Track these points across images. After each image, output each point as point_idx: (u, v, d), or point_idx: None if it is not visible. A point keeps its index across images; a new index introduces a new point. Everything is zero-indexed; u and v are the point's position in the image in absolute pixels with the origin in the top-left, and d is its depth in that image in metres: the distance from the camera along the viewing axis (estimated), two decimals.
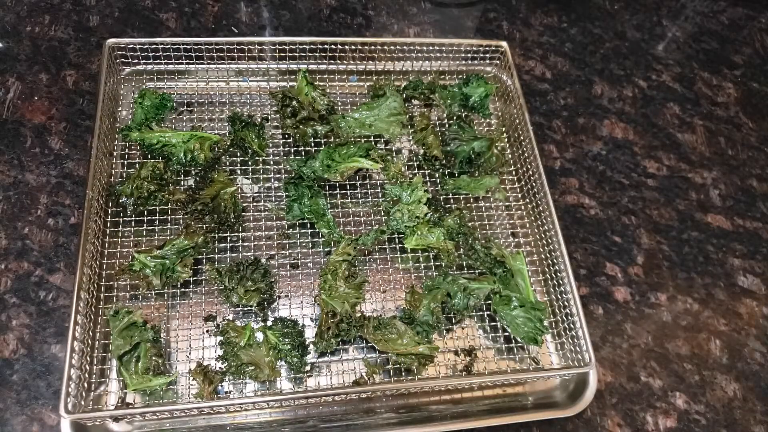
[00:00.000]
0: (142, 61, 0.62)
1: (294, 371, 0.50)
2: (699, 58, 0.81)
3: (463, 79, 0.67)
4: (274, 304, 0.54)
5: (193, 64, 0.63)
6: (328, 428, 0.50)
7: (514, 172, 0.64)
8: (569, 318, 0.53)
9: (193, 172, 0.58)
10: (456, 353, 0.54)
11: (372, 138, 0.63)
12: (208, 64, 0.63)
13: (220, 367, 0.49)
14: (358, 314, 0.53)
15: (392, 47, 0.66)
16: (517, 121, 0.63)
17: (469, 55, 0.68)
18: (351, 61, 0.67)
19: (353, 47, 0.65)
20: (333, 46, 0.64)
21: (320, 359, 0.52)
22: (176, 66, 0.63)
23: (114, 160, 0.58)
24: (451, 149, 0.62)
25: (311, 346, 0.51)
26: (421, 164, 0.63)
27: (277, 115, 0.62)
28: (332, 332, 0.50)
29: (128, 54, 0.61)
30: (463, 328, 0.55)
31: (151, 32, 0.70)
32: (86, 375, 0.47)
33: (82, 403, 0.45)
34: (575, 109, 0.73)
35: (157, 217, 0.55)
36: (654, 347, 0.58)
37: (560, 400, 0.53)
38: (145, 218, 0.55)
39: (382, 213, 0.59)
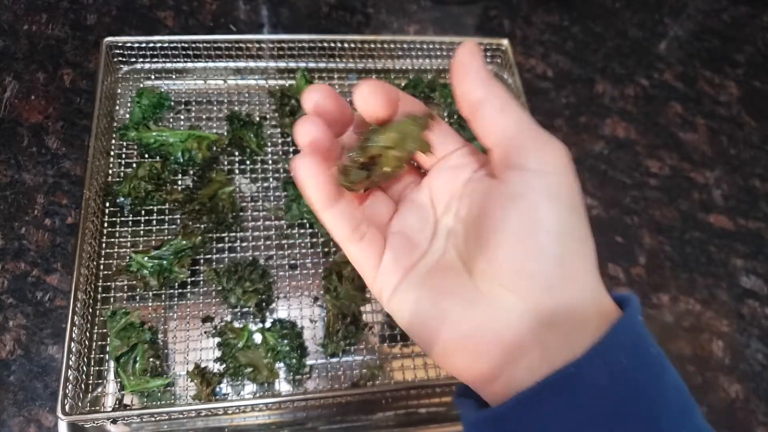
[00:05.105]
0: (139, 60, 0.62)
1: (293, 373, 0.50)
2: (701, 57, 0.81)
3: None
4: (272, 305, 0.53)
5: (191, 62, 0.63)
6: (327, 430, 0.50)
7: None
8: None
9: (191, 172, 0.57)
10: None
11: None
12: (206, 62, 0.63)
13: (218, 369, 0.49)
14: (364, 316, 0.52)
15: (392, 45, 0.65)
16: None
17: None
18: (350, 60, 0.66)
19: (353, 45, 0.64)
20: (332, 44, 0.63)
21: (319, 361, 0.51)
22: (174, 64, 0.63)
23: (111, 160, 0.57)
24: None
25: (320, 349, 0.51)
26: None
27: (276, 114, 0.62)
28: (341, 334, 0.50)
29: (126, 52, 0.61)
30: None
31: (149, 30, 0.69)
32: (83, 376, 0.46)
33: (80, 404, 0.45)
34: (577, 107, 0.73)
35: (155, 217, 0.55)
36: None
37: None
38: (143, 218, 0.54)
39: None
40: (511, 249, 0.21)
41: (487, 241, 0.22)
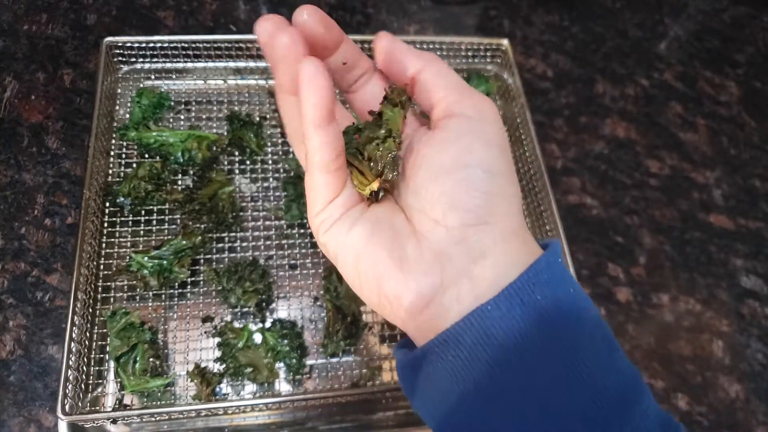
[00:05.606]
0: (139, 60, 0.62)
1: (293, 373, 0.50)
2: (701, 57, 0.81)
3: (463, 78, 0.66)
4: (272, 305, 0.53)
5: (191, 62, 0.62)
6: (327, 430, 0.50)
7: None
8: None
9: (191, 172, 0.57)
10: None
11: None
12: (206, 62, 0.63)
13: (218, 369, 0.49)
14: (364, 315, 0.52)
15: None
16: (519, 120, 0.63)
17: (469, 53, 0.67)
18: None
19: None
20: None
21: (319, 361, 0.51)
22: (174, 64, 0.63)
23: (111, 160, 0.57)
24: None
25: (320, 349, 0.51)
26: None
27: (276, 114, 0.62)
28: (341, 334, 0.50)
29: (125, 52, 0.61)
30: None
31: (149, 30, 0.69)
32: (83, 376, 0.46)
33: (80, 404, 0.45)
34: (577, 107, 0.73)
35: (155, 217, 0.55)
36: (656, 348, 0.58)
37: None
38: (143, 218, 0.54)
39: None
40: (445, 184, 0.23)
41: (424, 179, 0.24)
